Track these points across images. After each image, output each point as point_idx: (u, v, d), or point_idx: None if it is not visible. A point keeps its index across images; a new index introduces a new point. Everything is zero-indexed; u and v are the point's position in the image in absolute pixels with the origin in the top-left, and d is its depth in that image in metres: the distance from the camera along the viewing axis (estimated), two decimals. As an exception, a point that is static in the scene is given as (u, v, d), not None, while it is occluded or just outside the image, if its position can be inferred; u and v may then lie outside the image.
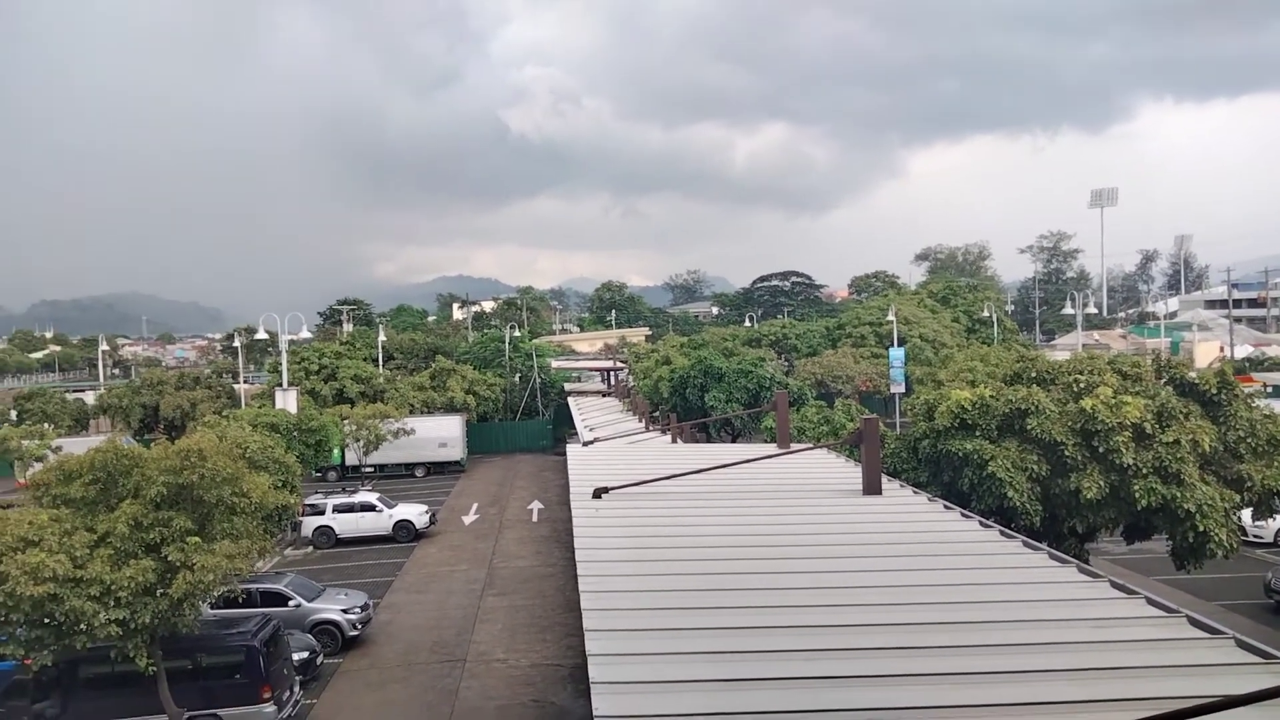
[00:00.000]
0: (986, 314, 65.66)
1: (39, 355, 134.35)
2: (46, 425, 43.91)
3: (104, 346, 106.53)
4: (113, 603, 13.85)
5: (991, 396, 18.54)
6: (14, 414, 51.70)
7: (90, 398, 58.21)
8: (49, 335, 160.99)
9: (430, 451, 45.39)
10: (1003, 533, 13.44)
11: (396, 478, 44.15)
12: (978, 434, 18.25)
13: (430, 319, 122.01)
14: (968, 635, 9.36)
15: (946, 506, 15.33)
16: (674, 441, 29.74)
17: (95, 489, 15.06)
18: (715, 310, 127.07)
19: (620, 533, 14.12)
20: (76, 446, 22.55)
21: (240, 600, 19.14)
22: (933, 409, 19.68)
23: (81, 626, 13.81)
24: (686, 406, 39.07)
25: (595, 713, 7.77)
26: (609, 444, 28.44)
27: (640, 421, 37.71)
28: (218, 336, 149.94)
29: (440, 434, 45.64)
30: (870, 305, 70.95)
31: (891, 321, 53.33)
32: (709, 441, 37.43)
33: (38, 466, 27.91)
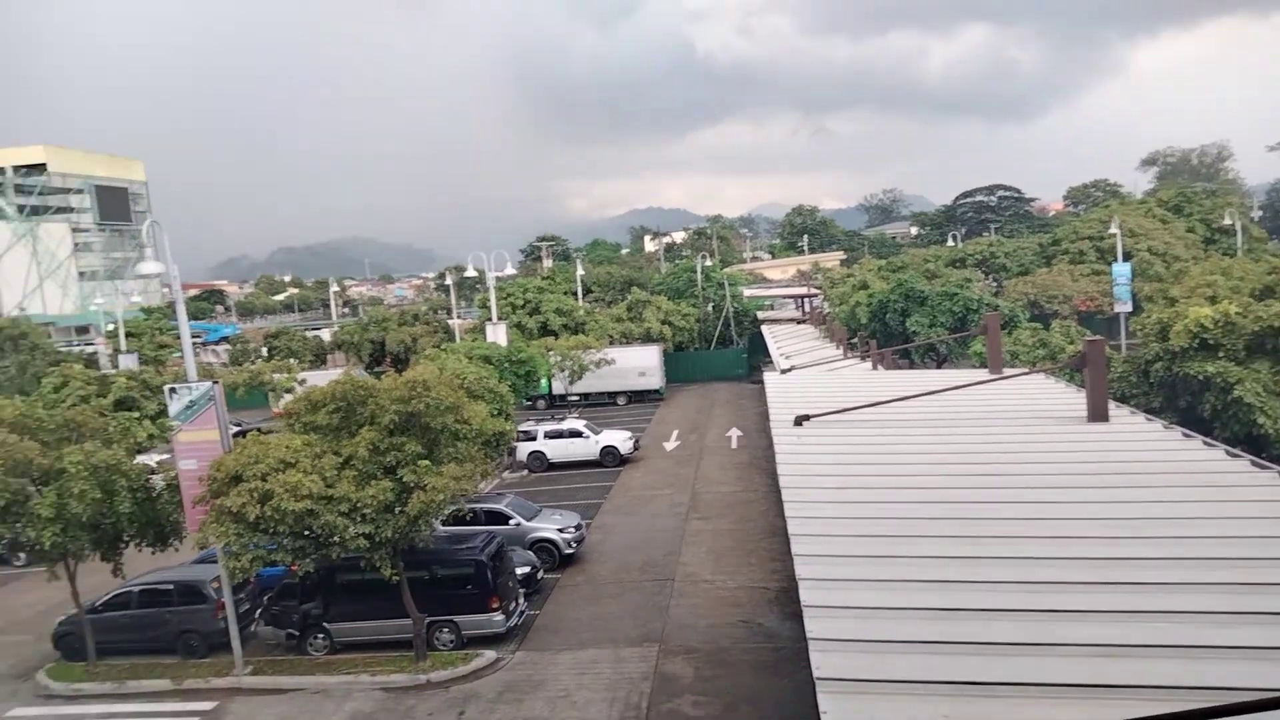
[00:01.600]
0: (1228, 222, 58.86)
1: (280, 297, 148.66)
2: (292, 360, 48.80)
3: (334, 288, 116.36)
4: (359, 518, 15.41)
5: (1238, 313, 16.78)
6: (265, 350, 57.80)
7: (326, 335, 63.95)
8: (288, 279, 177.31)
9: (630, 380, 46.74)
10: (1255, 463, 12.27)
11: (600, 406, 45.85)
12: (1221, 355, 16.61)
13: (624, 252, 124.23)
14: (1208, 572, 8.70)
15: (1185, 434, 14.16)
16: (874, 368, 29.03)
17: (337, 417, 16.64)
18: (914, 231, 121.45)
19: (824, 459, 14.06)
20: (319, 379, 24.89)
21: (467, 518, 20.73)
22: (1167, 328, 18.07)
23: (335, 539, 15.48)
24: (886, 332, 37.90)
25: (809, 635, 7.89)
26: (807, 372, 28.16)
27: (838, 348, 37.00)
28: (431, 276, 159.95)
29: (639, 363, 46.84)
30: (1089, 218, 65.32)
31: (1115, 234, 48.96)
32: (911, 368, 36.24)
33: (288, 397, 31.17)
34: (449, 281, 70.38)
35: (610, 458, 32.91)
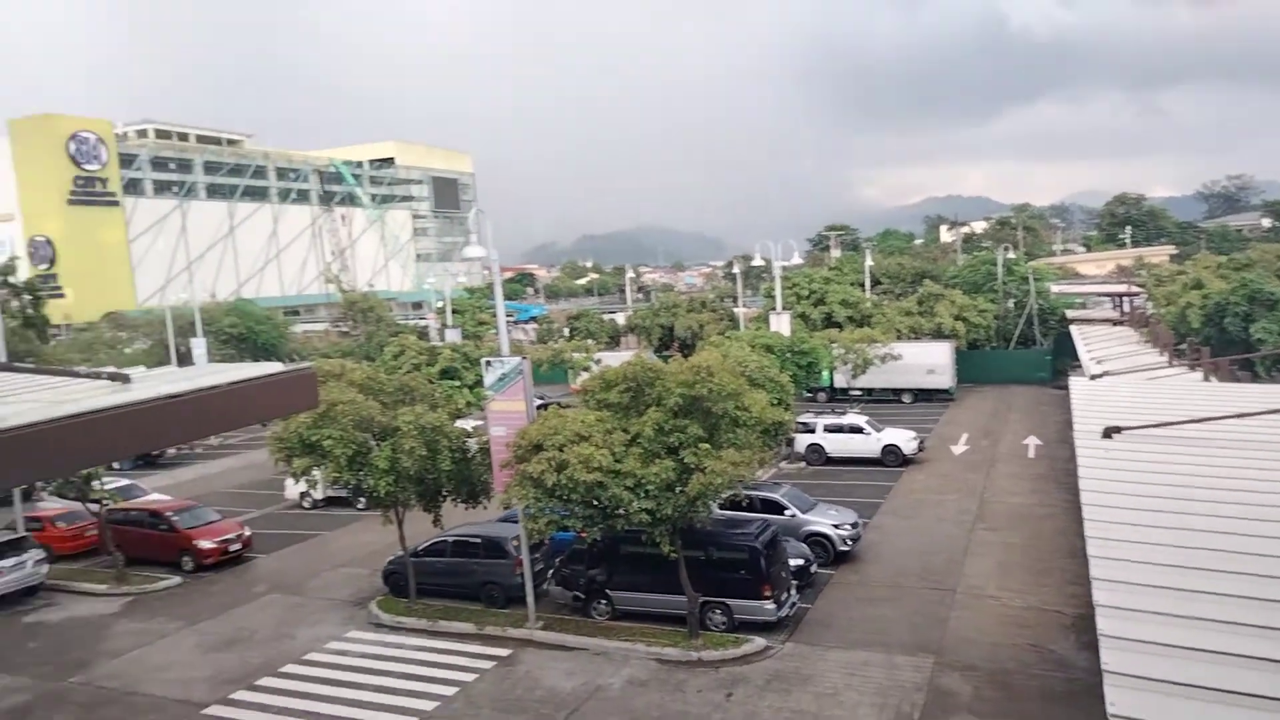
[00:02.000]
0: None
1: (582, 282, 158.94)
2: (590, 340, 52.10)
3: (629, 274, 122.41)
4: (643, 494, 16.20)
5: None
6: (567, 330, 62.17)
7: (620, 318, 67.50)
8: (589, 265, 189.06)
9: (917, 378, 44.88)
10: None
11: (883, 402, 44.50)
12: None
13: (917, 242, 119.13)
14: None
15: None
16: (1205, 379, 25.67)
17: (627, 396, 17.55)
18: (1266, 223, 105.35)
19: (1135, 478, 12.72)
20: (612, 359, 26.37)
21: (743, 504, 21.07)
22: None
23: (620, 511, 16.40)
24: (1224, 339, 33.37)
25: (1104, 668, 7.26)
26: (1121, 379, 25.49)
27: (1161, 355, 33.10)
28: (719, 264, 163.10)
29: (928, 360, 44.83)
30: None
31: None
32: (1254, 382, 31.63)
33: (585, 375, 33.35)
34: (736, 270, 71.41)
35: (892, 457, 31.89)
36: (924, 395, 45.30)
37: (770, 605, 17.73)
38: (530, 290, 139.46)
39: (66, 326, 62.99)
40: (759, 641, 17.45)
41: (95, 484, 23.58)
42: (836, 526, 22.25)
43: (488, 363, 19.58)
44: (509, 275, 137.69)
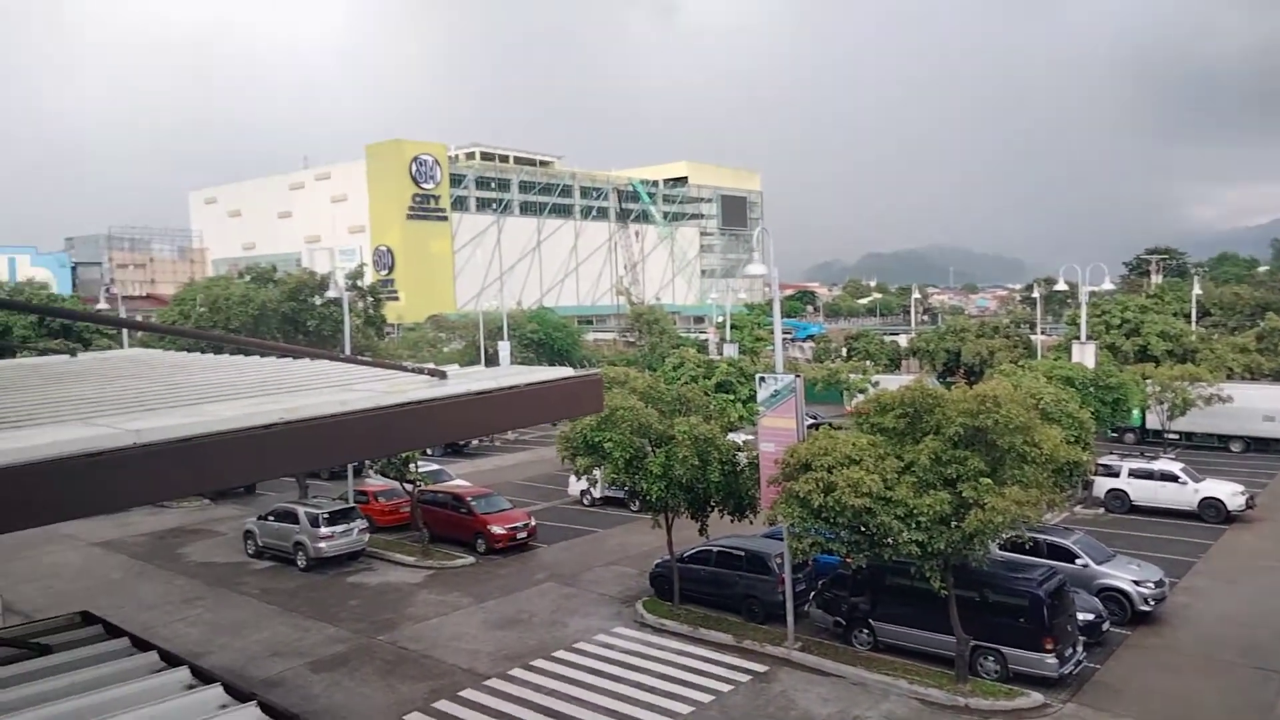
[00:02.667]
0: None
1: (864, 301, 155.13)
2: (868, 362, 50.81)
3: (915, 295, 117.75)
4: (913, 525, 15.56)
5: None
6: (844, 350, 61.05)
7: (903, 340, 65.15)
8: (873, 284, 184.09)
9: (1251, 424, 39.15)
10: None
11: (1205, 449, 39.30)
12: None
13: (1260, 269, 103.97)
14: None
15: None
16: None
17: (904, 422, 16.97)
18: None
19: None
20: (890, 383, 25.63)
21: (1027, 547, 19.60)
22: None
23: (888, 540, 15.89)
24: None
25: None
26: None
27: None
28: (1017, 287, 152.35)
29: (1266, 405, 38.98)
30: None
31: None
32: None
33: (860, 397, 32.65)
34: (1036, 294, 66.46)
35: (1212, 512, 28.12)
36: (1259, 445, 39.45)
37: (1052, 659, 16.32)
38: (809, 308, 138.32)
39: (398, 325, 71.47)
40: (1036, 697, 16.13)
41: (411, 466, 26.64)
42: (1137, 583, 20.03)
43: (762, 378, 19.78)
44: (789, 292, 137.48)
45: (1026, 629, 16.55)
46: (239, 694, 5.64)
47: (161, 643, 6.50)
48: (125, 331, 34.73)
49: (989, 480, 15.39)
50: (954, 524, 15.49)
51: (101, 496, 3.47)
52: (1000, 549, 19.30)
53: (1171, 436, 39.82)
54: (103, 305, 46.49)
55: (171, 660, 6.17)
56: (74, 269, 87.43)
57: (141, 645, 6.53)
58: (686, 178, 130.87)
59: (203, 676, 5.92)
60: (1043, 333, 58.74)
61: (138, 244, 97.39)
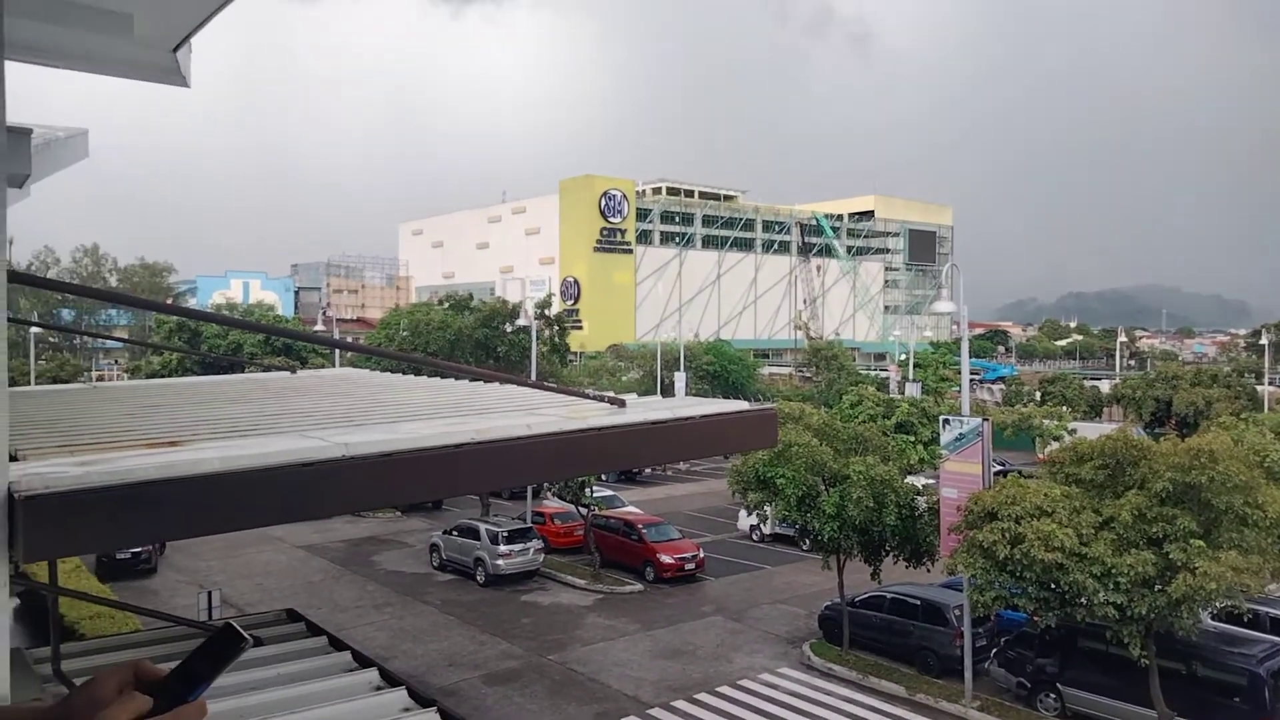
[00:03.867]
0: None
1: (1063, 343, 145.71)
2: (1064, 408, 47.61)
3: (1122, 338, 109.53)
4: (1111, 585, 14.42)
5: None
6: (1038, 395, 57.53)
7: (1105, 386, 60.68)
8: (1073, 325, 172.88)
9: None
10: None
11: None
12: None
13: None
14: None
15: None
16: None
17: (1103, 474, 15.81)
18: None
19: None
20: (1089, 431, 23.89)
21: (1245, 620, 17.72)
22: None
23: (1081, 600, 14.79)
24: None
25: None
26: None
27: None
28: (1242, 332, 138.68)
29: None
30: None
31: None
32: None
33: (1055, 445, 30.62)
34: (1264, 340, 60.15)
35: None
36: None
37: (1274, 748, 14.62)
38: (1001, 349, 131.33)
39: (580, 353, 73.86)
40: (1253, 789, 14.48)
41: (587, 491, 27.34)
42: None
43: (946, 421, 19.00)
44: (978, 331, 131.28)
45: (1243, 710, 14.93)
46: (420, 699, 5.97)
47: (354, 644, 7.00)
48: (337, 351, 37.82)
49: (1201, 543, 14.06)
50: (1158, 588, 14.24)
51: (312, 503, 3.80)
52: (1213, 619, 17.53)
53: None
54: (319, 326, 50.85)
55: (362, 661, 6.62)
56: (297, 293, 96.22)
57: (337, 645, 7.04)
58: (873, 212, 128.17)
59: (389, 679, 6.31)
60: (1272, 383, 53.09)
61: (352, 271, 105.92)
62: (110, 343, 63.72)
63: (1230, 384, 50.55)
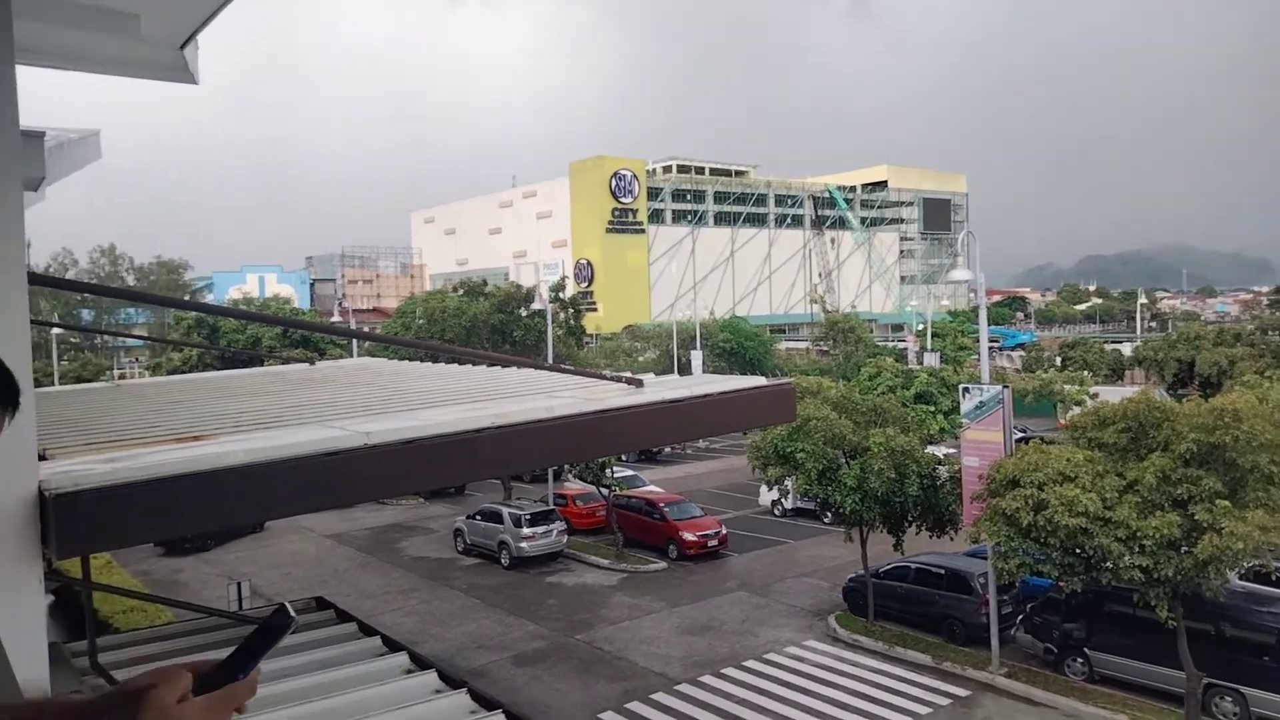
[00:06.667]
0: None
1: (1082, 307, 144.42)
2: (1085, 373, 47.29)
3: (1142, 300, 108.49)
4: (1136, 549, 14.35)
5: None
6: (1058, 360, 57.15)
7: (1126, 349, 60.17)
8: (1092, 288, 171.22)
9: None
10: None
11: None
12: None
13: None
14: None
15: None
16: None
17: (1126, 437, 15.70)
18: None
19: None
20: (1111, 395, 23.76)
21: (1274, 579, 17.61)
22: None
23: (1107, 564, 14.74)
24: None
25: None
26: None
27: None
28: (1264, 289, 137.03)
29: None
30: None
31: None
32: None
33: (1076, 410, 30.44)
34: (1288, 298, 59.46)
35: None
36: None
37: (1303, 706, 14.57)
38: (1019, 315, 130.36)
39: (596, 335, 73.92)
40: (1285, 747, 14.46)
41: (608, 472, 27.45)
42: None
43: (966, 389, 18.92)
44: (996, 298, 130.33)
45: (1273, 668, 14.87)
46: (451, 681, 6.05)
47: (383, 629, 7.09)
48: (355, 341, 38.00)
49: (1227, 503, 13.96)
50: (1184, 549, 14.17)
51: (337, 492, 3.84)
52: (1242, 579, 17.45)
53: None
54: (336, 318, 51.12)
55: (392, 646, 6.71)
56: (312, 285, 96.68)
57: (367, 630, 7.14)
58: (886, 182, 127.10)
59: (419, 662, 6.40)
60: (1296, 340, 52.44)
61: (366, 261, 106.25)
62: (131, 341, 64.38)
63: (1254, 342, 49.97)
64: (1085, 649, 17.17)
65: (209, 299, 75.76)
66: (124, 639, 7.55)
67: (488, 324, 41.84)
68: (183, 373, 34.16)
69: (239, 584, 18.09)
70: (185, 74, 4.99)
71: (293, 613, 1.36)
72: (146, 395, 7.01)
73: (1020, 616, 18.77)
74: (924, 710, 16.47)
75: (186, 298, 61.11)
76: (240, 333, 44.20)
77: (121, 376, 49.61)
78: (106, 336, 62.30)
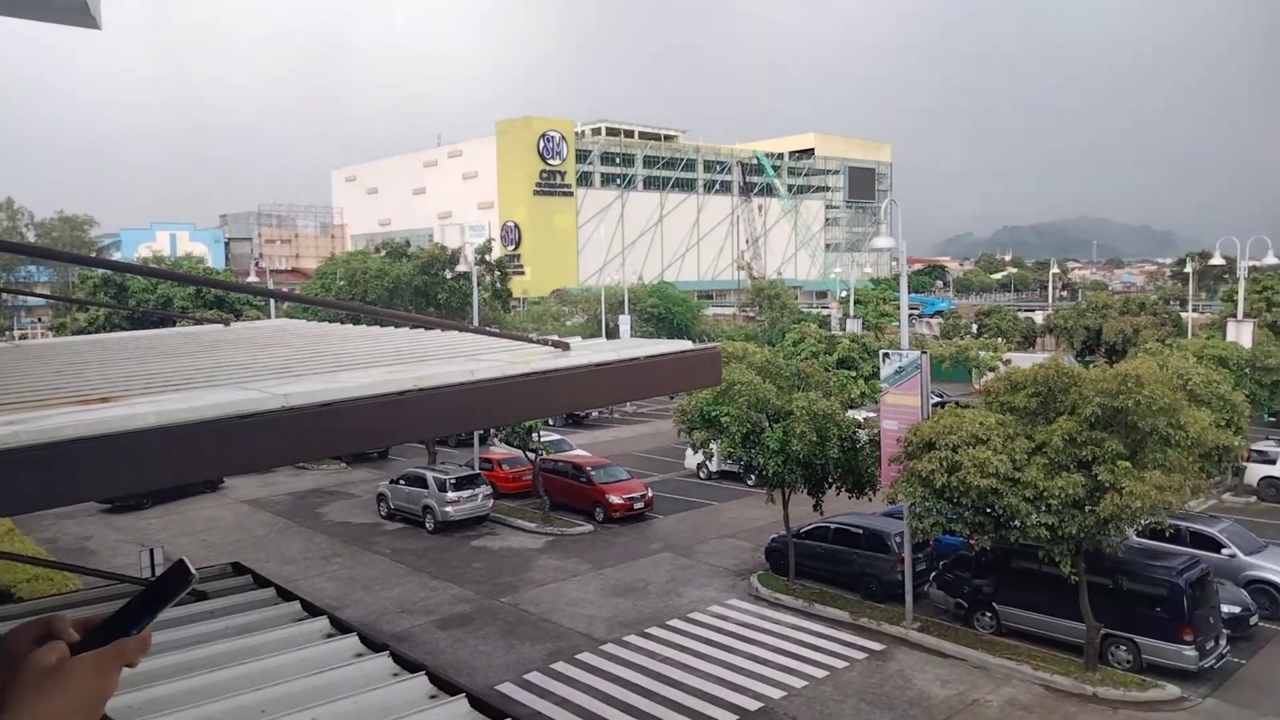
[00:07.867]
0: None
1: (998, 276, 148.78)
2: (999, 339, 48.87)
3: (1054, 270, 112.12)
4: (1043, 508, 15.00)
5: None
6: (974, 327, 58.90)
7: (1038, 317, 62.33)
8: (1008, 258, 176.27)
9: None
10: None
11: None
12: None
13: None
14: None
15: None
16: None
17: (1036, 401, 16.32)
18: None
19: None
20: (1023, 361, 24.56)
21: (1167, 535, 18.61)
22: None
23: (1015, 523, 15.38)
24: None
25: None
26: None
27: None
28: (1168, 261, 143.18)
29: None
30: None
31: None
32: None
33: (990, 375, 31.47)
34: (1188, 269, 62.25)
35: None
36: None
37: (1191, 651, 15.50)
38: (939, 283, 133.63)
39: (523, 299, 73.26)
40: (1172, 689, 15.38)
41: (534, 436, 27.39)
42: (1292, 577, 18.73)
43: (885, 354, 19.38)
44: (917, 267, 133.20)
45: (1164, 619, 15.79)
46: (372, 644, 6.01)
47: (303, 594, 6.98)
48: (272, 302, 36.92)
49: (1128, 464, 14.68)
50: (1087, 508, 14.87)
51: (253, 455, 3.75)
52: (1139, 536, 18.42)
53: (1339, 423, 36.78)
54: (252, 278, 49.50)
55: (312, 610, 6.62)
56: (227, 244, 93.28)
57: (285, 595, 7.02)
58: (813, 149, 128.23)
59: (340, 627, 6.33)
60: (1195, 310, 55.08)
61: (284, 220, 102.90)
62: (32, 300, 61.35)
63: (1156, 312, 52.25)
64: (994, 604, 17.94)
65: (116, 257, 72.50)
66: (26, 608, 7.28)
67: (411, 286, 41.04)
68: (89, 333, 32.74)
69: (151, 550, 17.54)
70: (87, 18, 4.73)
71: (193, 569, 1.32)
72: (49, 356, 6.71)
73: (933, 574, 19.48)
74: (841, 664, 17.03)
75: (93, 255, 58.43)
76: (150, 292, 42.48)
77: (22, 337, 47.33)
78: (5, 295, 59.25)
